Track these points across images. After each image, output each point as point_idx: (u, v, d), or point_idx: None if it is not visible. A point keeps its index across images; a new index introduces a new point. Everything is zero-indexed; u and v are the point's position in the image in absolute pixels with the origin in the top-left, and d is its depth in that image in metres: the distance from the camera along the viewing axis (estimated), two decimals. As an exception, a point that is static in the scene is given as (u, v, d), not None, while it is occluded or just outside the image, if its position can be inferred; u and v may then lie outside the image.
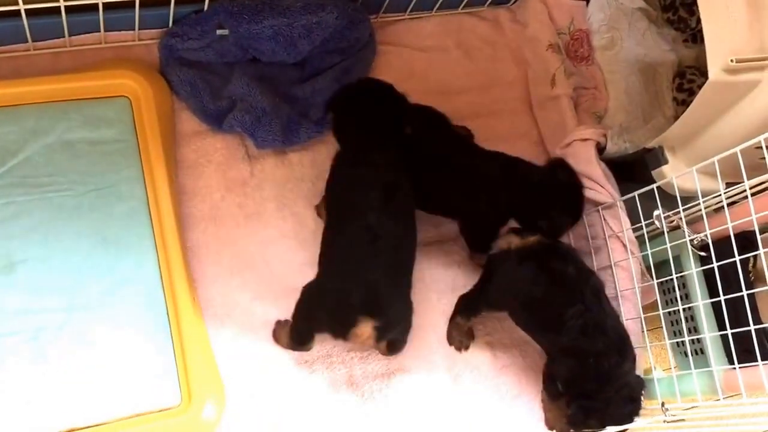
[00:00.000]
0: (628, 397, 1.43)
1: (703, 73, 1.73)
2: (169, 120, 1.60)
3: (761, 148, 1.32)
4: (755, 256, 1.56)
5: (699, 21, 1.81)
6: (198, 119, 1.63)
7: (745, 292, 1.39)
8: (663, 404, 1.49)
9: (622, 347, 1.44)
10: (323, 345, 1.55)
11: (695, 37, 1.96)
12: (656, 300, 1.65)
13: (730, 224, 1.43)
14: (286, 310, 1.55)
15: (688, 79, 1.90)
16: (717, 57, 1.40)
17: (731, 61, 1.39)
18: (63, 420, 1.35)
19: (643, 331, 1.61)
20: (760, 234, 1.48)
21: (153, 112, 1.55)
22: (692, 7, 1.88)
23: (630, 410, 1.43)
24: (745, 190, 1.40)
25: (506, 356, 1.64)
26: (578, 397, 1.43)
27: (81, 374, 1.38)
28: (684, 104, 1.87)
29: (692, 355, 1.62)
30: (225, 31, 1.58)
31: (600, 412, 1.42)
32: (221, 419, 1.43)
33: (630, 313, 1.63)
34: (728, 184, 1.50)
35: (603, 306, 1.46)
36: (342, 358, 1.55)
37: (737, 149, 1.34)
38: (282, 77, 1.69)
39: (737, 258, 1.40)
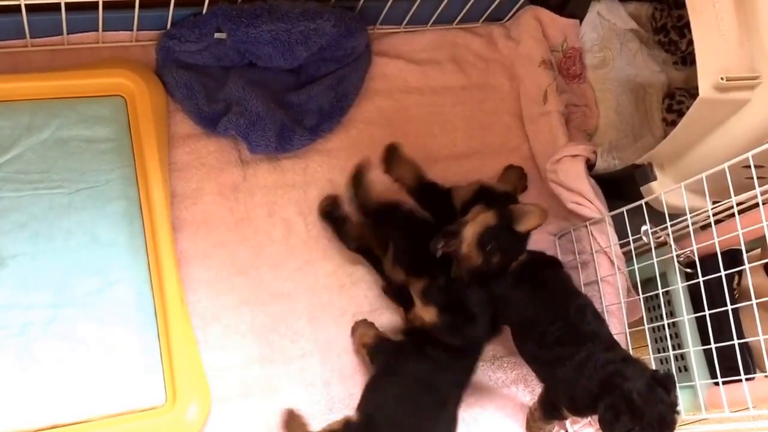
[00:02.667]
0: (653, 380, 1.29)
1: (693, 95, 1.75)
2: (163, 121, 1.60)
3: (748, 167, 1.34)
4: (740, 275, 1.57)
5: (689, 44, 1.85)
6: (192, 121, 1.63)
7: (729, 307, 1.41)
8: None
9: (597, 341, 1.38)
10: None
11: (685, 59, 1.98)
12: (642, 316, 1.66)
13: (716, 240, 1.44)
14: (273, 316, 1.56)
15: (678, 100, 1.92)
16: (707, 74, 1.42)
17: (721, 78, 1.40)
18: (47, 416, 1.34)
19: (628, 348, 1.62)
20: (747, 252, 1.50)
21: (148, 112, 1.55)
22: (683, 30, 1.91)
23: (663, 401, 1.27)
24: (731, 207, 1.42)
25: (492, 371, 1.65)
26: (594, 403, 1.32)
27: (67, 371, 1.37)
28: (673, 125, 1.88)
29: (677, 372, 1.62)
30: (223, 35, 1.59)
31: (628, 406, 1.25)
32: (205, 421, 1.43)
33: (615, 329, 1.64)
34: (715, 203, 1.51)
35: (585, 318, 1.42)
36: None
37: (725, 165, 1.36)
38: (277, 83, 1.69)
39: (723, 273, 1.41)
